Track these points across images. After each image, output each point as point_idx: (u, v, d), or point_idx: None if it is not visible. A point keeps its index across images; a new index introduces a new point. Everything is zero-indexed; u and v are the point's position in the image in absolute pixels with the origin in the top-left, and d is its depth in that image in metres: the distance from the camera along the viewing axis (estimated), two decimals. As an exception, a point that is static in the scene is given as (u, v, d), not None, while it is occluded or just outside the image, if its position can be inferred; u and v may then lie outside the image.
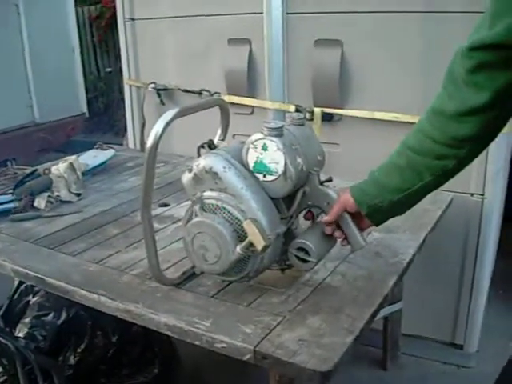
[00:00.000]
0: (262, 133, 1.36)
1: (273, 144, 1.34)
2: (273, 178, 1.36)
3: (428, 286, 2.50)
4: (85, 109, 6.21)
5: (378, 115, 2.32)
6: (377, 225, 1.41)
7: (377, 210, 1.34)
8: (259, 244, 1.30)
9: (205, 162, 1.39)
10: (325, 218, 1.41)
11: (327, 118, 2.45)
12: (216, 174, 1.36)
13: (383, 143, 2.01)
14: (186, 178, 1.42)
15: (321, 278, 1.55)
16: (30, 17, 5.39)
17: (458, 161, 1.21)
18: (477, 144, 1.20)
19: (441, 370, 2.51)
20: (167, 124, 1.33)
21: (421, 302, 2.51)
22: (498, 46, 1.01)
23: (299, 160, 1.37)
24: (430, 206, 1.97)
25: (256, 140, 1.37)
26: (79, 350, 2.07)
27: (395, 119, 2.28)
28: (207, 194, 1.38)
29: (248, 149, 1.38)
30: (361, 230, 1.41)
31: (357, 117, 2.39)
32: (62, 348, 2.08)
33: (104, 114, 7.42)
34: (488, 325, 2.61)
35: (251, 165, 1.38)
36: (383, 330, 2.48)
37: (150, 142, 1.33)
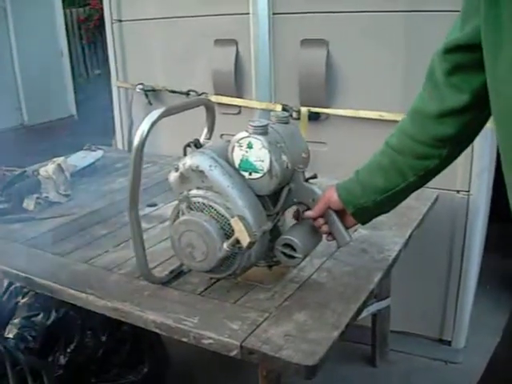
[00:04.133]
0: (247, 131, 1.38)
1: (258, 142, 1.36)
2: (258, 175, 1.38)
3: (416, 283, 2.52)
4: (74, 111, 6.22)
5: (363, 114, 2.34)
6: (362, 224, 1.43)
7: (362, 210, 1.36)
8: (245, 241, 1.31)
9: (191, 160, 1.40)
10: (308, 212, 1.42)
11: (314, 117, 2.46)
12: (202, 172, 1.38)
13: (369, 141, 2.02)
14: (173, 176, 1.44)
15: (307, 274, 1.57)
16: (17, 20, 5.39)
17: (440, 160, 1.24)
18: (457, 144, 1.22)
19: (429, 365, 2.53)
20: (153, 124, 1.34)
21: (409, 298, 2.53)
22: (469, 47, 1.03)
23: (284, 158, 1.39)
24: (416, 203, 1.98)
25: (241, 138, 1.38)
26: (69, 350, 2.07)
27: (380, 117, 2.30)
28: (194, 192, 1.40)
29: (233, 147, 1.40)
30: (346, 227, 1.43)
31: (343, 116, 2.41)
32: (52, 348, 2.08)
33: (93, 115, 7.39)
34: (475, 321, 2.63)
35: (237, 163, 1.40)
36: (372, 327, 2.49)
37: (136, 142, 1.34)
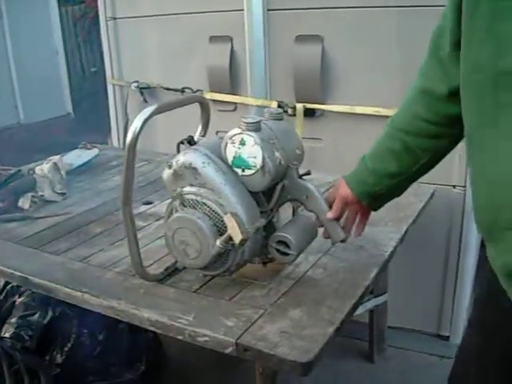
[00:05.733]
0: (239, 128, 1.37)
1: (250, 139, 1.35)
2: (251, 172, 1.37)
3: (413, 279, 2.52)
4: (70, 109, 6.22)
5: (359, 110, 2.34)
6: (375, 210, 1.44)
7: (376, 197, 1.37)
8: (237, 237, 1.31)
9: (184, 157, 1.40)
10: (328, 215, 1.42)
11: (309, 113, 2.46)
12: (195, 169, 1.37)
13: (365, 137, 2.02)
14: (166, 174, 1.43)
15: (303, 270, 1.56)
16: (12, 18, 5.38)
17: (451, 139, 1.23)
18: None
19: (427, 361, 2.52)
20: (145, 121, 1.34)
21: (406, 294, 2.52)
22: None
23: (277, 154, 1.38)
24: (412, 199, 1.98)
25: (234, 135, 1.38)
26: (66, 349, 2.07)
27: (376, 113, 2.29)
28: (187, 189, 1.39)
29: (226, 144, 1.39)
30: (362, 220, 1.45)
31: (338, 112, 2.40)
32: (49, 347, 2.08)
33: (89, 113, 7.38)
34: (473, 316, 2.63)
35: (230, 160, 1.39)
36: (369, 323, 2.49)
37: (128, 139, 1.33)
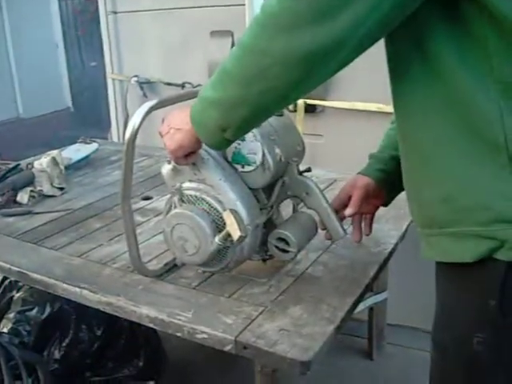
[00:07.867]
0: (239, 123, 1.36)
1: (250, 134, 1.33)
2: (251, 168, 1.36)
3: (413, 276, 2.50)
4: (70, 103, 6.21)
5: (360, 106, 2.33)
6: (386, 205, 1.49)
7: (394, 186, 1.37)
8: (235, 234, 1.29)
9: (184, 153, 1.38)
10: (348, 210, 1.43)
11: (310, 109, 2.45)
12: (195, 165, 1.36)
13: (366, 134, 2.03)
14: (166, 169, 1.42)
15: (303, 268, 1.55)
16: (12, 12, 5.36)
17: None
18: None
19: (426, 358, 2.49)
20: (144, 116, 1.32)
21: (406, 291, 2.51)
22: None
23: (277, 150, 1.36)
24: (413, 196, 1.97)
25: (234, 130, 1.36)
26: (64, 345, 2.07)
27: (377, 110, 2.28)
28: (186, 185, 1.38)
29: (226, 139, 1.37)
30: (370, 218, 1.49)
31: (339, 108, 2.39)
32: (47, 343, 2.07)
33: (89, 107, 7.37)
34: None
35: (230, 156, 1.37)
36: (368, 320, 2.49)
37: (127, 134, 1.32)
